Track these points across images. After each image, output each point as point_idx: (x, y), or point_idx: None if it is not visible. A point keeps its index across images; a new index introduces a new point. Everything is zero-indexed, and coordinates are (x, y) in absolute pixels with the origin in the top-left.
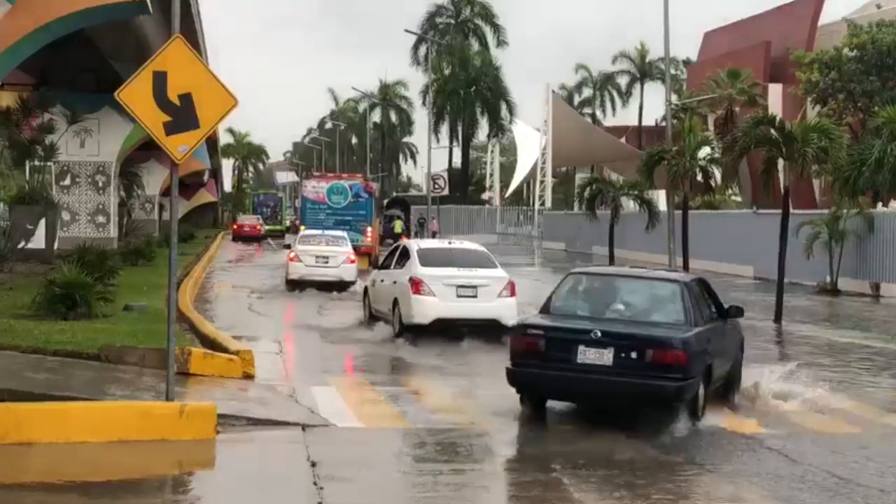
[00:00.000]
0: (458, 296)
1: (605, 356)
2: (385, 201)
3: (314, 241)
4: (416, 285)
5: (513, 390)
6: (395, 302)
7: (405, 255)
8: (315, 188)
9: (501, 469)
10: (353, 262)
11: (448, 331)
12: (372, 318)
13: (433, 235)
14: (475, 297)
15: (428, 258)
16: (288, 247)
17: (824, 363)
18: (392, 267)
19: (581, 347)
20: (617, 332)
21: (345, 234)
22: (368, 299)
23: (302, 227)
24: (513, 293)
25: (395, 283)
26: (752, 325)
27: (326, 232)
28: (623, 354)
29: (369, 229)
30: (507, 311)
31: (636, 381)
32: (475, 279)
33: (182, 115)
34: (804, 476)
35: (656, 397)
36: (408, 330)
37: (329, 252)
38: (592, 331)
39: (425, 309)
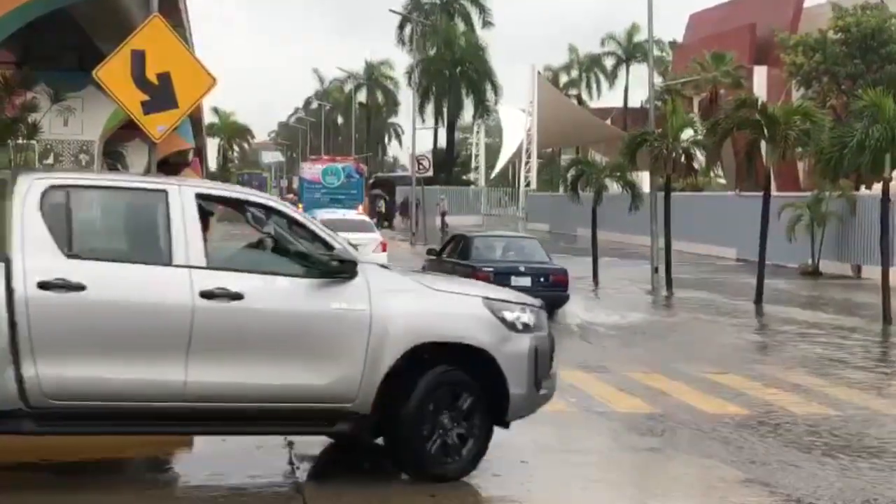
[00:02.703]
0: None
1: (527, 281)
2: (370, 181)
3: (337, 226)
4: None
5: None
6: None
7: None
8: (311, 169)
9: None
10: (385, 249)
11: None
12: None
13: (442, 216)
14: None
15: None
16: None
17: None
18: None
19: (514, 277)
20: (531, 267)
21: (368, 218)
22: None
23: (299, 206)
24: (384, 250)
25: None
26: (736, 305)
27: (347, 215)
28: (538, 279)
29: (360, 207)
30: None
31: (546, 294)
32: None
33: (160, 94)
34: None
35: (560, 301)
36: None
37: (358, 239)
38: (518, 267)
39: None
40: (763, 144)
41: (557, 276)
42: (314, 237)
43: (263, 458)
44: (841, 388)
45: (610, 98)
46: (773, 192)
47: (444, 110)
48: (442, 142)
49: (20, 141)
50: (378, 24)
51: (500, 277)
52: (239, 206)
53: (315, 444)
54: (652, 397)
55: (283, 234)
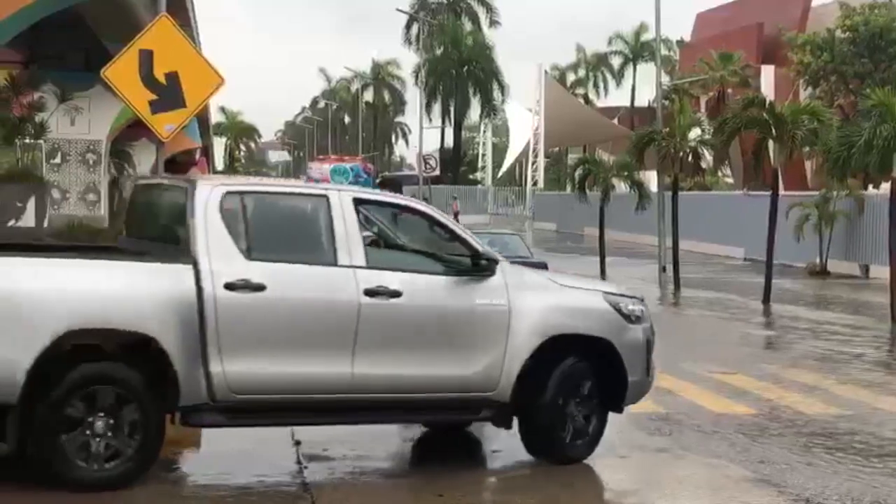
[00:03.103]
0: None
1: None
2: (377, 181)
3: None
4: None
5: None
6: None
7: None
8: (320, 169)
9: (492, 449)
10: None
11: None
12: None
13: (455, 216)
14: None
15: None
16: None
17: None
18: None
19: None
20: (513, 260)
21: None
22: None
23: None
24: None
25: None
26: (743, 305)
27: None
28: None
29: None
30: None
31: None
32: None
33: (168, 93)
34: None
35: None
36: None
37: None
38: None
39: None
40: (770, 144)
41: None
42: (456, 238)
43: (271, 457)
44: (850, 388)
45: (617, 97)
46: (781, 192)
47: (451, 109)
48: (449, 141)
49: (27, 140)
50: (385, 24)
51: None
52: (390, 209)
53: (322, 444)
54: (659, 397)
55: (429, 235)
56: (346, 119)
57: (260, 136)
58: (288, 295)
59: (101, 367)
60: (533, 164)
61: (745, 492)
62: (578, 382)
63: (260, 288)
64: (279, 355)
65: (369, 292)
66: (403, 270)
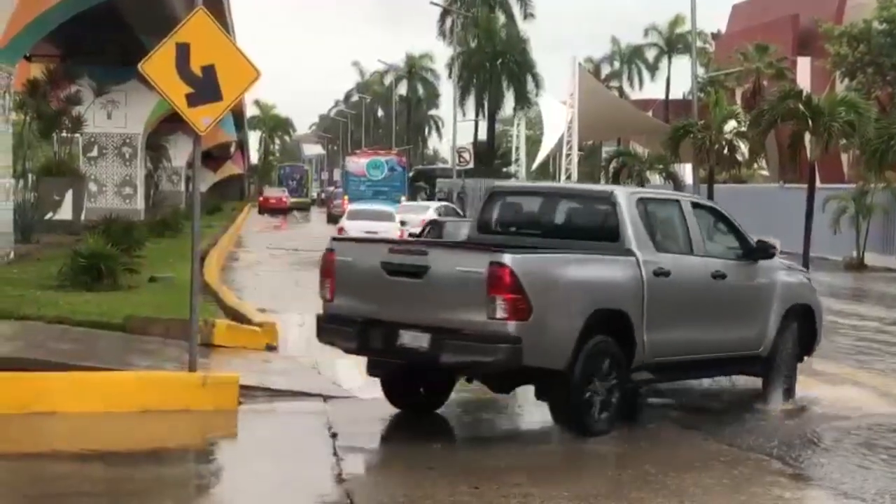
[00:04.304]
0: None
1: None
2: (410, 174)
3: (361, 216)
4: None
5: None
6: None
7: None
8: (356, 163)
9: (520, 443)
10: (402, 236)
11: None
12: None
13: None
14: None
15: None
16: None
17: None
18: None
19: None
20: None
21: (393, 209)
22: None
23: (345, 197)
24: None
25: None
26: None
27: (374, 206)
28: None
29: (403, 198)
30: None
31: None
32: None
33: (205, 86)
34: None
35: None
36: None
37: (375, 227)
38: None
39: None
40: (807, 136)
41: None
42: (733, 229)
43: (308, 449)
44: (890, 381)
45: (651, 90)
46: (818, 185)
47: (485, 102)
48: (482, 134)
49: (64, 134)
50: (419, 17)
51: None
52: (706, 211)
53: (359, 436)
54: (692, 388)
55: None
56: (380, 112)
57: (294, 130)
58: (682, 279)
59: (604, 339)
60: (567, 156)
61: (780, 485)
62: (795, 338)
63: (668, 274)
64: (675, 326)
65: (715, 275)
66: (719, 258)
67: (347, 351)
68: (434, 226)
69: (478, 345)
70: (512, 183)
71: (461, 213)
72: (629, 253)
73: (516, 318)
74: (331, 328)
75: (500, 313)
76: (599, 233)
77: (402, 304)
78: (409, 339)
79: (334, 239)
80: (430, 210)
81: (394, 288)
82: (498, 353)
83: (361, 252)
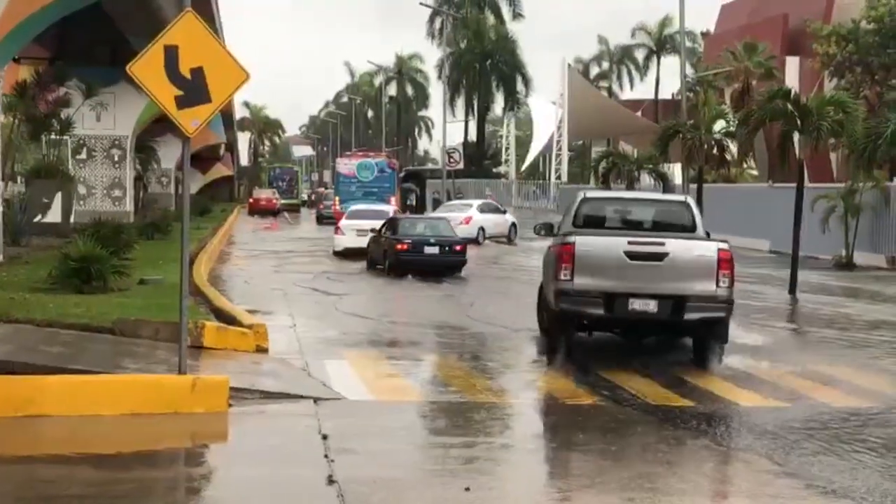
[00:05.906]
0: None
1: (436, 249)
2: (401, 175)
3: (358, 216)
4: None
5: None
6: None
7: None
8: (347, 164)
9: (514, 442)
10: None
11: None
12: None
13: None
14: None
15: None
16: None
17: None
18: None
19: (426, 247)
20: (439, 239)
21: (390, 209)
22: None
23: (336, 199)
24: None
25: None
26: (770, 297)
27: (371, 207)
28: (444, 248)
29: (393, 199)
30: None
31: (450, 258)
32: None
33: (193, 89)
34: None
35: (461, 263)
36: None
37: (371, 226)
38: (429, 239)
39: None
40: (796, 135)
41: (459, 246)
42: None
43: (299, 451)
44: (879, 380)
45: (641, 90)
46: (807, 184)
47: (475, 103)
48: (472, 135)
49: (53, 136)
50: (409, 17)
51: (417, 246)
52: None
53: (349, 437)
54: (687, 390)
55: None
56: (370, 113)
57: (284, 131)
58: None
59: None
60: (556, 157)
61: (772, 484)
62: None
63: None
64: None
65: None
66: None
67: (590, 317)
68: (389, 223)
69: (712, 304)
70: (601, 192)
71: (501, 209)
72: (709, 238)
73: (731, 286)
74: (578, 298)
75: (723, 282)
76: (679, 227)
77: (638, 280)
78: (638, 305)
79: (572, 234)
80: (472, 207)
81: (632, 269)
82: (725, 311)
83: (602, 244)
